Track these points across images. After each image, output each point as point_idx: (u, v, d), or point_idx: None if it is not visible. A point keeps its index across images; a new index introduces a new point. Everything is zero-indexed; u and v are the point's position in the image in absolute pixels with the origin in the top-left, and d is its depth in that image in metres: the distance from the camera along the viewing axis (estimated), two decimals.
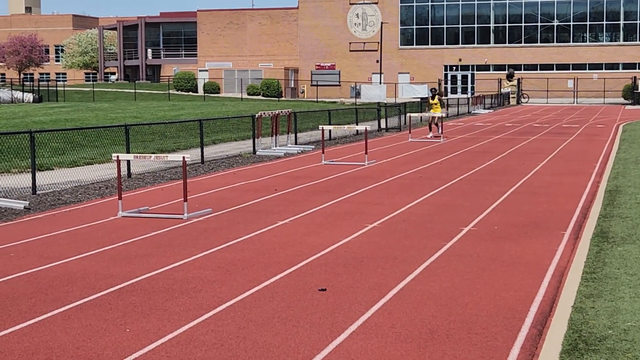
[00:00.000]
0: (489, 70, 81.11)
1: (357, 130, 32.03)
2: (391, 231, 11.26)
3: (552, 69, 79.56)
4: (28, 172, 17.17)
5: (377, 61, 79.78)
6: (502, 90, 71.61)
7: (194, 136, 27.42)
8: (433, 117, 30.48)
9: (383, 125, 36.38)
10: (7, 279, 8.51)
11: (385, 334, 6.52)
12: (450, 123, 40.89)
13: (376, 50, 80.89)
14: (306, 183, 16.82)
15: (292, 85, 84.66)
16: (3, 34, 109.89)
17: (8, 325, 6.82)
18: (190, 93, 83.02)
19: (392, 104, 45.32)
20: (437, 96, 31.09)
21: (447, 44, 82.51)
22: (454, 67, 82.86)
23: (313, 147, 26.12)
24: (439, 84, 75.14)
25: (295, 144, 27.13)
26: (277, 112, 25.44)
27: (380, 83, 76.14)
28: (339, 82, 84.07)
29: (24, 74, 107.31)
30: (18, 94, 71.45)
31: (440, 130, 30.27)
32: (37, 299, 7.68)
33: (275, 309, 7.29)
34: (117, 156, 13.03)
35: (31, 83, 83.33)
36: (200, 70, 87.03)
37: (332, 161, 21.51)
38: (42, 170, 17.85)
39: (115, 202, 13.44)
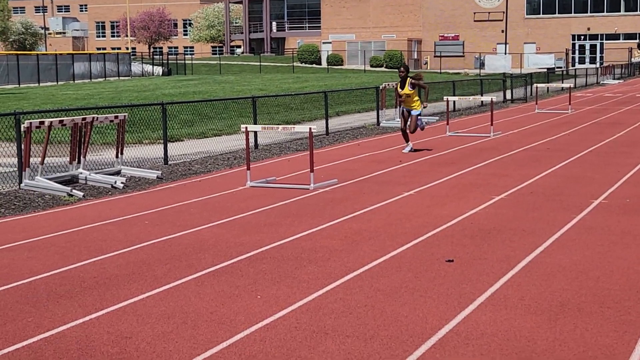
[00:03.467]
0: (619, 39, 78.53)
1: (482, 102, 31.62)
2: (518, 203, 11.11)
3: None
4: (159, 143, 17.68)
5: (502, 31, 78.32)
6: (632, 59, 69.30)
7: (318, 108, 27.63)
8: (409, 116, 17.51)
9: (508, 97, 35.79)
10: (142, 246, 8.82)
11: (514, 306, 6.47)
12: (579, 94, 39.92)
13: (501, 20, 79.39)
14: (431, 154, 16.74)
15: (415, 57, 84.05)
16: (133, 9, 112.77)
17: (145, 290, 7.08)
18: (314, 65, 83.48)
19: (518, 75, 44.49)
20: (410, 79, 17.33)
21: (575, 12, 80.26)
22: (582, 37, 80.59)
23: (437, 118, 25.94)
24: (566, 53, 73.16)
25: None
26: None
27: (505, 53, 74.79)
28: (463, 52, 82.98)
29: (154, 48, 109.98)
30: (148, 67, 73.44)
31: (407, 138, 17.47)
32: (171, 265, 7.94)
33: (402, 279, 7.33)
34: (246, 127, 13.27)
35: (160, 57, 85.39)
36: (323, 43, 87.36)
37: (457, 132, 21.33)
38: (173, 142, 18.35)
39: (243, 173, 13.70)
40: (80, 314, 6.41)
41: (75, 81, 61.82)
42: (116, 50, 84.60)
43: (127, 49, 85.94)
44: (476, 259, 8.01)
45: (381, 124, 23.99)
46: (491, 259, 8.03)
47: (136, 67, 72.60)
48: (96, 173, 13.60)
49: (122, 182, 13.03)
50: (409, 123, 17.46)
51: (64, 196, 12.11)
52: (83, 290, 7.08)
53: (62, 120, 13.14)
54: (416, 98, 17.50)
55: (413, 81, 17.22)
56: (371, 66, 79.72)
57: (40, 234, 9.54)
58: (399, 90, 17.37)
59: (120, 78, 67.01)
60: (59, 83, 59.19)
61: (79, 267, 7.91)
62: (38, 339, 5.83)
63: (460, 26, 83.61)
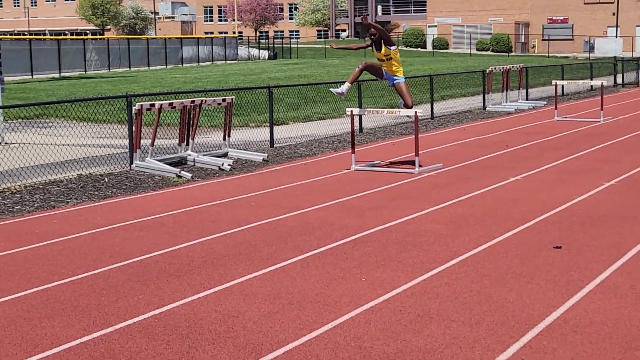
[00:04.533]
0: None
1: (592, 86, 30.91)
2: (629, 189, 10.83)
3: None
4: (264, 126, 17.87)
5: (613, 14, 76.19)
6: None
7: (422, 92, 27.43)
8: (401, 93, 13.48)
9: (619, 81, 34.87)
10: (249, 227, 8.94)
11: (624, 294, 6.32)
12: None
13: (612, 2, 77.21)
14: (538, 139, 16.47)
15: (523, 40, 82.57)
16: None
17: (251, 270, 7.18)
18: (419, 49, 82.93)
19: (630, 58, 43.26)
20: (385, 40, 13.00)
21: None
22: None
23: (545, 103, 25.48)
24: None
25: (527, 99, 26.58)
26: (507, 67, 24.98)
27: (616, 36, 72.77)
28: (572, 36, 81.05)
29: (260, 32, 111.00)
30: (254, 51, 74.25)
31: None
32: (277, 247, 8.03)
33: (509, 264, 7.25)
34: (351, 111, 13.28)
35: (266, 40, 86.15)
36: (429, 26, 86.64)
37: (565, 117, 20.90)
38: (278, 125, 18.51)
39: (348, 156, 13.73)
40: (189, 292, 6.55)
41: (184, 65, 62.94)
42: (223, 35, 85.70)
43: (234, 33, 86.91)
44: (585, 246, 7.86)
45: (487, 108, 23.69)
46: (600, 245, 7.86)
47: (243, 51, 73.43)
48: (204, 155, 13.84)
49: (229, 164, 13.22)
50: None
51: (173, 177, 12.37)
52: (191, 270, 7.23)
53: (172, 103, 13.41)
54: (397, 64, 13.44)
55: (373, 31, 12.96)
56: (477, 50, 78.72)
57: (150, 213, 9.78)
58: (376, 53, 13.25)
59: (227, 62, 67.89)
60: (168, 66, 60.37)
61: (187, 247, 8.08)
62: (148, 316, 5.98)
63: (569, 9, 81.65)
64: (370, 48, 13.33)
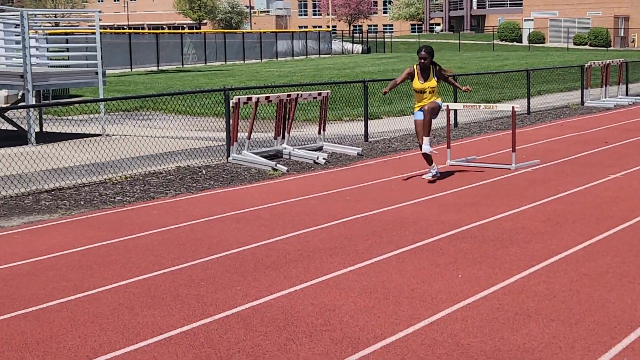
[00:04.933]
0: None
1: None
2: None
3: None
4: (358, 120, 17.89)
5: None
6: None
7: (518, 87, 27.12)
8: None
9: None
10: (344, 221, 8.97)
11: None
12: None
13: None
14: (638, 136, 16.07)
15: (622, 34, 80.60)
16: None
17: (347, 264, 7.20)
18: (514, 43, 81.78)
19: None
20: (437, 68, 11.71)
21: None
22: None
23: (633, 100, 24.86)
24: None
25: (626, 95, 25.98)
26: (607, 62, 24.45)
27: None
28: None
29: (353, 26, 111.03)
30: (348, 45, 74.30)
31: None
32: (372, 241, 8.04)
33: (609, 264, 7.10)
34: (447, 105, 13.19)
35: (360, 35, 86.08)
36: (525, 20, 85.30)
37: None
38: (372, 119, 18.50)
39: (443, 151, 13.65)
40: (285, 284, 6.61)
41: (278, 59, 63.41)
42: (317, 29, 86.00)
43: (328, 27, 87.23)
44: None
45: (585, 104, 23.25)
46: None
47: (336, 45, 73.57)
48: (299, 148, 13.94)
49: (323, 158, 13.28)
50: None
51: (269, 170, 12.49)
52: (288, 262, 7.30)
53: (269, 97, 13.54)
54: (437, 95, 11.82)
55: (444, 73, 11.84)
56: (574, 44, 77.20)
57: (247, 206, 9.90)
58: (419, 84, 11.61)
59: (321, 56, 68.11)
60: (263, 60, 60.90)
61: (283, 240, 8.16)
62: (246, 307, 6.06)
63: None
64: (408, 80, 11.73)
